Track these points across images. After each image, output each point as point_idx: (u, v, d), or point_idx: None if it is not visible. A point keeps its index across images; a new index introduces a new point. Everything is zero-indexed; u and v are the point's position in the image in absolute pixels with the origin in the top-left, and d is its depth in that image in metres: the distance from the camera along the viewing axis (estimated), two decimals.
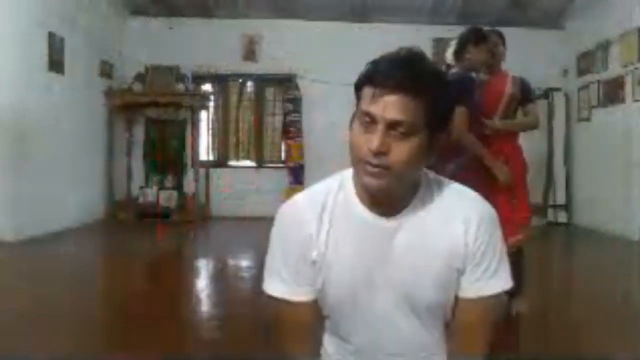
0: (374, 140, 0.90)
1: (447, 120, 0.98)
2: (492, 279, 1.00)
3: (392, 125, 0.90)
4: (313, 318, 1.06)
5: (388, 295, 1.00)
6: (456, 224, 0.99)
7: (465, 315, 1.01)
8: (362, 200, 1.01)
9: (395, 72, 0.90)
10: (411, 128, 0.90)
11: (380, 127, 0.90)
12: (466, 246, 0.98)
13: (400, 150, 0.91)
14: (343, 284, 1.00)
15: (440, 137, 0.97)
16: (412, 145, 0.91)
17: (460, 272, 0.99)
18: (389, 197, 0.98)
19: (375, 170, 0.91)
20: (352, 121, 1.00)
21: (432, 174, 1.06)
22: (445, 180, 1.06)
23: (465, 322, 1.01)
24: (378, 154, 0.90)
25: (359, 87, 0.97)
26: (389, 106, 0.90)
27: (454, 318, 1.03)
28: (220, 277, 4.04)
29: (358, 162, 0.94)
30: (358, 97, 0.98)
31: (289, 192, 6.59)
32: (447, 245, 0.98)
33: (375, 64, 0.95)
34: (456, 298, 1.01)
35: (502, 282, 1.01)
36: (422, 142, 0.93)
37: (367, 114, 0.92)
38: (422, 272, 0.98)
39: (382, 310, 1.01)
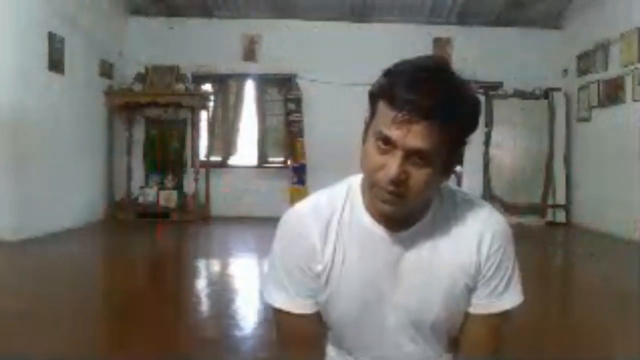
0: (392, 168, 0.83)
1: (468, 137, 0.89)
2: (503, 295, 0.97)
3: (412, 153, 0.83)
4: (314, 330, 1.03)
5: (395, 314, 0.98)
6: (469, 240, 0.95)
7: (474, 330, 0.98)
8: (371, 212, 0.96)
9: (420, 97, 0.80)
10: (431, 156, 0.84)
11: (399, 154, 0.83)
12: (478, 263, 0.95)
13: (419, 178, 0.85)
14: (352, 298, 0.97)
15: (461, 156, 0.90)
16: (432, 172, 0.85)
17: (470, 289, 0.96)
18: (402, 216, 0.94)
19: (390, 197, 0.86)
20: (365, 132, 0.93)
21: (444, 184, 1.00)
22: (458, 190, 1.02)
23: (474, 338, 0.99)
24: (395, 182, 0.84)
25: (374, 98, 0.90)
26: (412, 134, 0.81)
27: (463, 333, 1.00)
28: (220, 277, 4.04)
29: (372, 186, 0.89)
30: (372, 107, 0.90)
31: (293, 192, 6.60)
32: (458, 261, 0.95)
33: (395, 77, 0.85)
34: (466, 313, 0.98)
35: (513, 298, 0.98)
36: (442, 164, 0.87)
37: (386, 139, 0.84)
38: (430, 288, 0.95)
39: (388, 327, 0.99)
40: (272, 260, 1.02)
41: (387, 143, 0.84)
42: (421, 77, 0.83)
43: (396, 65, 0.87)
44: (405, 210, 0.90)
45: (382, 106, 0.86)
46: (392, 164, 0.83)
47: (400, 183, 0.84)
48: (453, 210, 0.98)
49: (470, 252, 0.95)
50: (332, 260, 0.97)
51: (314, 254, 0.97)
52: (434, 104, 0.80)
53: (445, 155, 0.86)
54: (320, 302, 0.99)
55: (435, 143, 0.82)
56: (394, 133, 0.83)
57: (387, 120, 0.83)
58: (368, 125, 0.91)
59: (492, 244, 0.95)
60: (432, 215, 0.97)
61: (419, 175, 0.85)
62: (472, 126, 0.88)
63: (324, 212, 0.98)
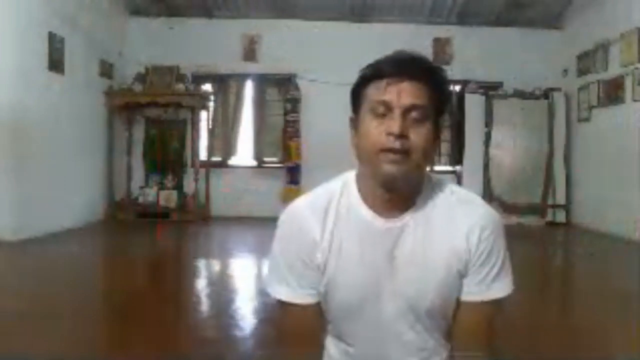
0: (394, 125, 0.92)
1: (445, 109, 1.01)
2: (493, 284, 1.00)
3: (407, 110, 0.93)
4: (316, 321, 1.06)
5: (393, 301, 1.00)
6: (459, 229, 0.99)
7: (467, 319, 1.01)
8: (366, 202, 1.01)
9: (405, 63, 0.95)
10: (424, 113, 0.94)
11: (397, 112, 0.93)
12: (469, 251, 0.99)
13: (418, 135, 0.94)
14: (349, 288, 1.00)
15: (442, 126, 1.01)
16: (427, 130, 0.95)
17: (462, 275, 1.00)
18: (400, 192, 0.98)
19: (397, 157, 0.92)
20: (353, 124, 1.01)
21: (434, 175, 1.06)
22: (448, 182, 1.07)
23: (467, 326, 1.01)
24: (400, 137, 0.92)
25: (359, 88, 0.99)
26: (404, 92, 0.93)
27: (455, 321, 1.03)
28: (220, 277, 4.04)
29: (376, 153, 0.94)
30: (357, 100, 1.00)
31: (286, 193, 6.61)
32: (450, 249, 0.99)
33: (378, 63, 0.97)
34: (458, 301, 1.01)
35: (503, 287, 1.01)
36: (432, 129, 0.96)
37: (382, 102, 0.94)
38: (425, 275, 0.99)
39: (387, 315, 1.01)
40: (274, 256, 1.06)
41: (384, 108, 0.94)
42: (401, 53, 0.98)
43: (372, 61, 0.99)
44: (409, 173, 0.95)
45: (370, 88, 0.97)
46: (393, 123, 0.93)
47: (403, 138, 0.92)
48: (444, 198, 1.02)
49: (461, 240, 0.99)
50: (329, 250, 1.00)
51: (314, 246, 1.01)
52: (418, 67, 0.95)
53: (434, 121, 0.96)
54: (320, 293, 1.03)
55: (424, 99, 0.94)
56: (388, 95, 0.94)
57: (380, 90, 0.95)
58: (355, 121, 1.00)
59: (483, 232, 0.99)
60: (423, 203, 1.01)
61: (418, 132, 0.94)
62: (448, 92, 1.03)
63: (321, 203, 1.03)
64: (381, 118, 0.94)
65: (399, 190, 0.98)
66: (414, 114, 0.93)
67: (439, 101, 0.97)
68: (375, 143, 0.94)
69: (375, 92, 0.95)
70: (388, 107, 0.93)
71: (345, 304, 1.02)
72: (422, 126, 0.94)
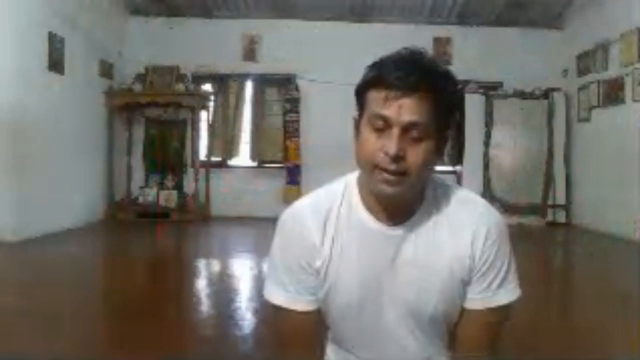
0: (391, 145, 0.87)
1: (454, 116, 0.95)
2: (499, 290, 0.98)
3: (407, 128, 0.88)
4: (314, 328, 1.04)
5: (394, 307, 0.98)
6: (463, 235, 0.96)
7: (471, 326, 0.99)
8: (368, 208, 0.98)
9: (407, 73, 0.87)
10: (425, 130, 0.88)
11: (395, 130, 0.87)
12: (472, 258, 0.96)
13: (416, 154, 0.88)
14: (350, 292, 0.98)
15: (449, 134, 0.94)
16: (427, 148, 0.89)
17: (465, 283, 0.97)
18: (400, 203, 0.96)
19: (392, 177, 0.88)
20: (356, 127, 0.97)
21: (438, 178, 1.03)
22: (452, 185, 1.04)
23: (471, 333, 0.99)
24: (396, 158, 0.87)
25: (362, 91, 0.94)
26: (404, 108, 0.87)
27: (459, 328, 1.01)
28: (220, 277, 4.04)
29: (372, 169, 0.90)
30: (360, 102, 0.95)
31: (286, 193, 6.61)
32: (453, 255, 0.96)
33: (380, 66, 0.91)
34: (462, 308, 0.99)
35: (509, 293, 0.98)
36: (435, 142, 0.91)
37: (381, 117, 0.88)
38: (427, 282, 0.96)
39: (387, 320, 0.99)
40: (273, 259, 1.04)
41: (383, 122, 0.89)
42: (405, 57, 0.91)
43: (379, 59, 0.94)
44: (405, 192, 0.91)
45: (371, 94, 0.91)
46: (391, 142, 0.87)
47: (400, 159, 0.87)
48: (448, 204, 0.99)
49: (465, 247, 0.96)
50: (330, 255, 0.98)
51: (314, 250, 0.99)
52: (420, 77, 0.87)
53: (437, 132, 0.91)
54: (320, 298, 1.01)
55: (427, 115, 0.88)
56: (388, 111, 0.88)
57: (380, 102, 0.89)
58: (358, 122, 0.96)
59: (487, 239, 0.96)
60: (426, 208, 0.98)
61: (416, 151, 0.89)
62: (455, 101, 0.95)
63: (322, 207, 1.00)
64: (380, 132, 0.89)
65: (396, 204, 0.96)
66: (414, 132, 0.88)
67: (445, 114, 0.91)
68: (371, 158, 0.90)
69: (375, 104, 0.90)
70: (387, 123, 0.88)
71: (344, 306, 1.00)
72: (421, 144, 0.89)
